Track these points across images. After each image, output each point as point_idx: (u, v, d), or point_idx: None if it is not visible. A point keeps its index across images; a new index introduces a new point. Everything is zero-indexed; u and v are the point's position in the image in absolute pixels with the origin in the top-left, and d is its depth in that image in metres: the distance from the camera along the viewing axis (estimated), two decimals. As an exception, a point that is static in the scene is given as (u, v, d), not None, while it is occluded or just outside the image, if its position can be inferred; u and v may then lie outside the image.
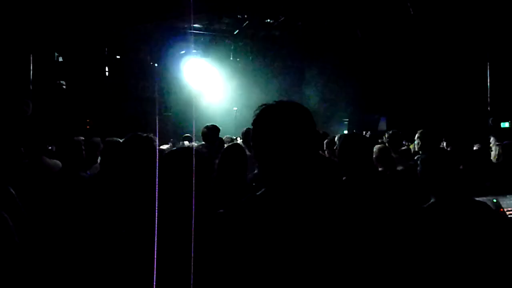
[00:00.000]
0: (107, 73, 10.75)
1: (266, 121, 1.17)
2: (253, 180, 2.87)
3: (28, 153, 3.37)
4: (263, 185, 1.20)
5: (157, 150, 2.19)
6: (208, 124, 4.55)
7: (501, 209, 2.54)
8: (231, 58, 11.76)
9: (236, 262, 1.11)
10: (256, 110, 1.21)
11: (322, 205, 1.18)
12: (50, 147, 4.19)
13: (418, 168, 2.16)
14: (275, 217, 1.13)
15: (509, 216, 2.53)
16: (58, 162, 3.37)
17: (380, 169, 3.53)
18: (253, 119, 1.20)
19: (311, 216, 1.14)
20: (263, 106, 1.20)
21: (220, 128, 4.63)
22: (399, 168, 3.71)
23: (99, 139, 3.69)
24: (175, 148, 2.13)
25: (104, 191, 2.37)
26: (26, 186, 2.74)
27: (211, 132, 4.44)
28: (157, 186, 1.35)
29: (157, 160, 1.42)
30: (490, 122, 8.29)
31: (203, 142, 4.44)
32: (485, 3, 7.73)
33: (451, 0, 7.97)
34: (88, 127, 9.48)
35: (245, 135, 4.53)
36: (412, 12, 8.06)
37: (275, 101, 1.21)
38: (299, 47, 11.69)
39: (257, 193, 1.20)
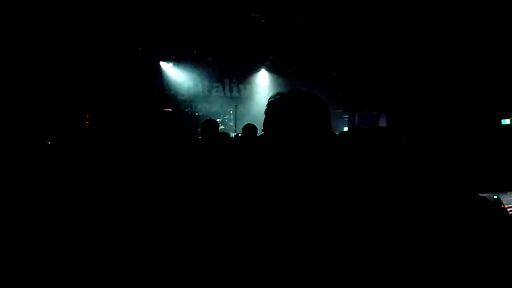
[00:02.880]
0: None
1: (279, 107, 1.16)
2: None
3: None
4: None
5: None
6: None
7: (502, 206, 2.52)
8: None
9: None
10: (270, 98, 1.20)
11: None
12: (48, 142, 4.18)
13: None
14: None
15: (510, 212, 2.52)
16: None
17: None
18: (266, 105, 1.19)
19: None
20: (278, 95, 1.19)
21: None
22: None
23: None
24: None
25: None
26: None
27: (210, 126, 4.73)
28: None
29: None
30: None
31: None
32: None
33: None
34: (87, 122, 9.45)
35: (245, 129, 4.92)
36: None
37: (289, 89, 1.20)
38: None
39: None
